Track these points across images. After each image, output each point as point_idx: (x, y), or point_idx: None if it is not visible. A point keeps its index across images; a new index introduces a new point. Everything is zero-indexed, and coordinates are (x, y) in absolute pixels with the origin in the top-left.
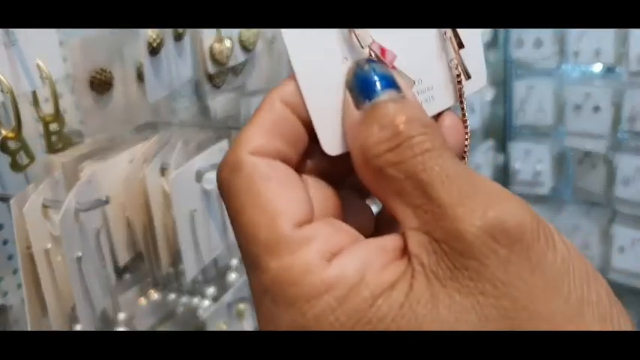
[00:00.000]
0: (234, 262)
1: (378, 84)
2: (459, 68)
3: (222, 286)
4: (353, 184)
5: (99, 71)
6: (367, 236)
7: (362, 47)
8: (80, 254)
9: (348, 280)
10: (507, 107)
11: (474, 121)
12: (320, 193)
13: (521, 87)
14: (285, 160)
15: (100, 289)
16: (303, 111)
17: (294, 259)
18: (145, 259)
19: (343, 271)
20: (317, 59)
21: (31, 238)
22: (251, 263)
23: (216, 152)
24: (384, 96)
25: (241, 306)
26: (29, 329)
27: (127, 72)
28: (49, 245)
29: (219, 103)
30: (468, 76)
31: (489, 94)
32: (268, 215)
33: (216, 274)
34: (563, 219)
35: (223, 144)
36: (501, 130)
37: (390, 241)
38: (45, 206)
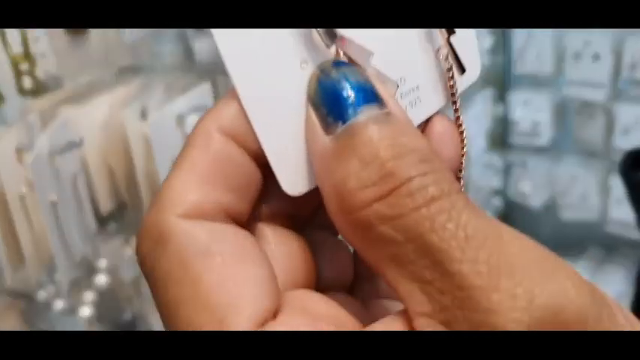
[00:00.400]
0: None
1: (352, 97)
2: (450, 60)
3: None
4: (321, 221)
5: None
6: (347, 285)
7: (326, 46)
8: (55, 198)
9: None
10: (506, 56)
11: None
12: (283, 248)
13: (521, 35)
14: (232, 215)
15: (79, 236)
16: (251, 141)
17: None
18: (129, 208)
19: None
20: (265, 67)
21: (3, 183)
22: None
23: (198, 95)
24: (362, 115)
25: None
26: (7, 279)
27: None
28: (24, 190)
29: (204, 45)
30: (463, 70)
31: (488, 42)
32: (215, 315)
33: None
34: (562, 170)
35: (206, 86)
36: (500, 79)
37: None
38: (19, 150)
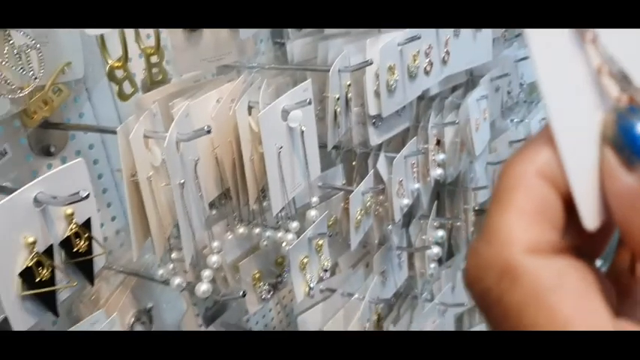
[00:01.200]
0: (314, 199)
1: None
2: None
3: (302, 223)
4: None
5: None
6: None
7: (622, 90)
8: (183, 181)
9: None
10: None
11: None
12: (598, 278)
13: None
14: (556, 252)
15: (197, 219)
16: (562, 183)
17: None
18: (233, 196)
19: None
20: (576, 110)
21: (136, 166)
22: None
23: (299, 92)
24: None
25: (320, 241)
26: (134, 256)
27: None
28: (151, 173)
29: (296, 46)
30: None
31: None
32: None
33: (297, 212)
34: None
35: (307, 84)
36: None
37: None
38: (146, 137)
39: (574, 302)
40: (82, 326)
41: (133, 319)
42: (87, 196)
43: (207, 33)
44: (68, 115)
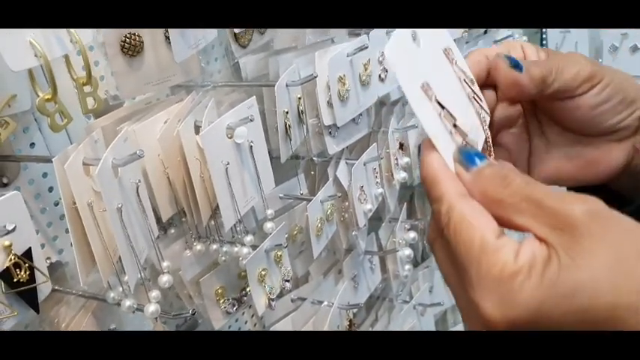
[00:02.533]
0: (269, 212)
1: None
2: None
3: (260, 235)
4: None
5: (128, 35)
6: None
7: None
8: (120, 205)
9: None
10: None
11: None
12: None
13: (556, 31)
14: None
15: (144, 239)
16: None
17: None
18: (187, 214)
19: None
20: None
21: (74, 193)
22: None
23: (244, 109)
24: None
25: (279, 252)
26: (80, 280)
27: (156, 35)
28: (92, 200)
29: (249, 62)
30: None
31: (524, 40)
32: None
33: (257, 224)
34: None
35: (251, 100)
36: None
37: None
38: (85, 164)
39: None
40: None
41: None
42: (13, 229)
43: (149, 56)
44: (19, 146)
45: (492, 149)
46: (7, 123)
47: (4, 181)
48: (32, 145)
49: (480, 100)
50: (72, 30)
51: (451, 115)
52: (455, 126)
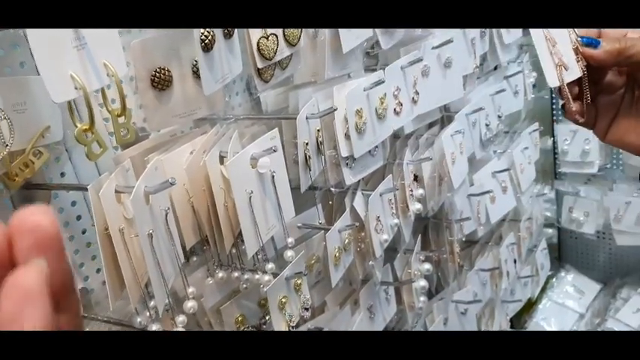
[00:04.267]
0: (290, 240)
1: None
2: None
3: (281, 263)
4: None
5: (158, 70)
6: None
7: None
8: (151, 231)
9: None
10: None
11: (519, 104)
12: None
13: None
14: None
15: (171, 265)
16: None
17: None
18: (210, 242)
19: None
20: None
21: (107, 219)
22: None
23: (267, 140)
24: None
25: (298, 280)
26: (110, 305)
27: (184, 69)
28: (123, 226)
29: (269, 96)
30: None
31: (533, 78)
32: None
33: (277, 253)
34: (614, 196)
35: (274, 132)
36: (547, 113)
37: None
38: (117, 192)
39: None
40: None
41: None
42: None
43: (177, 90)
44: (50, 175)
45: (586, 93)
46: (41, 153)
47: None
48: (63, 174)
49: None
50: (108, 63)
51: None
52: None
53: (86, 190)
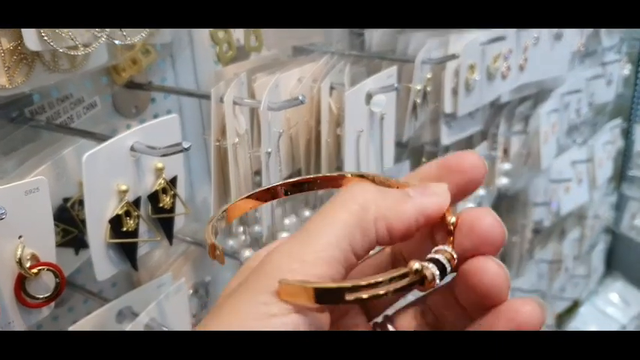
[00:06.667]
0: None
1: None
2: None
3: None
4: None
5: None
6: None
7: None
8: (270, 150)
9: None
10: (637, 89)
11: (610, 94)
12: None
13: None
14: None
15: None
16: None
17: None
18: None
19: None
20: None
21: (227, 131)
22: None
23: (384, 78)
24: None
25: None
26: (211, 212)
27: None
28: (237, 140)
29: (374, 36)
30: None
31: (628, 70)
32: None
33: None
34: None
35: (392, 70)
36: (627, 111)
37: None
38: (236, 103)
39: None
40: (147, 289)
41: (191, 291)
42: (188, 148)
43: None
44: (152, 78)
45: None
46: (149, 52)
47: (133, 111)
48: (163, 79)
49: None
50: None
51: None
52: None
53: (195, 96)
